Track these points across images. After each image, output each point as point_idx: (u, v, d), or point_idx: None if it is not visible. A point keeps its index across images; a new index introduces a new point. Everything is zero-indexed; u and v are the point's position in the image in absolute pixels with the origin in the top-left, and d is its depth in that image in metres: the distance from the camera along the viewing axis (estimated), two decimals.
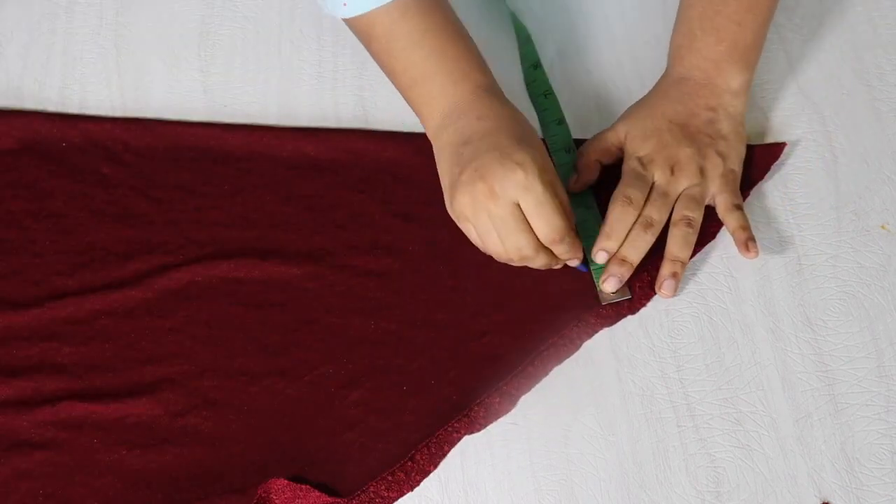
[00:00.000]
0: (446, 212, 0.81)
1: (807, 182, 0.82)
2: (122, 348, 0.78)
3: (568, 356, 0.76)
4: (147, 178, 0.85)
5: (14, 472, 0.73)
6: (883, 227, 0.80)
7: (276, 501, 0.72)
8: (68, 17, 0.94)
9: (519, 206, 0.73)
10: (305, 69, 0.90)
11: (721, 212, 0.79)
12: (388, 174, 0.84)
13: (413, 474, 0.72)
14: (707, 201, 0.79)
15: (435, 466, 0.73)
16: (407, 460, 0.72)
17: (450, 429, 0.73)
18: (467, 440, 0.73)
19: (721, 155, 0.79)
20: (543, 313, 0.77)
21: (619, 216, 0.77)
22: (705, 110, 0.80)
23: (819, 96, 0.86)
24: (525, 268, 0.78)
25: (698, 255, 0.79)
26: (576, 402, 0.75)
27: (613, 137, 0.81)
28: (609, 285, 0.76)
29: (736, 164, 0.80)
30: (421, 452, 0.73)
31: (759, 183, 0.81)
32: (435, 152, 0.78)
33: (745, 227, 0.78)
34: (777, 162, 0.82)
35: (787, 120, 0.85)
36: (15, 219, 0.83)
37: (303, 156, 0.85)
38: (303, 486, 0.71)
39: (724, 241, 0.80)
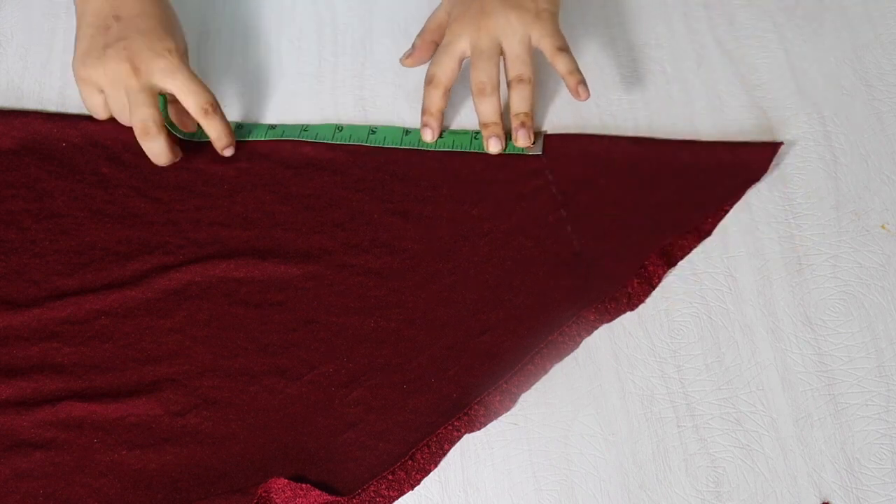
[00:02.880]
0: (445, 210, 0.82)
1: (807, 182, 0.82)
2: (122, 348, 0.78)
3: (568, 353, 0.76)
4: (147, 178, 0.85)
5: (14, 472, 0.73)
6: (883, 227, 0.80)
7: (277, 500, 0.72)
8: (68, 17, 0.94)
9: (155, 87, 0.80)
10: (305, 69, 0.90)
11: (548, 57, 0.81)
12: (386, 172, 0.84)
13: (413, 473, 0.72)
14: (534, 45, 0.81)
15: (435, 465, 0.73)
16: (407, 459, 0.72)
17: (450, 427, 0.73)
18: (467, 439, 0.73)
19: (536, 3, 0.81)
20: (542, 311, 0.77)
21: (428, 94, 0.82)
22: None
23: (819, 96, 0.86)
24: (523, 266, 0.78)
25: (698, 255, 0.79)
26: (576, 402, 0.75)
27: (441, 15, 0.84)
28: (493, 146, 0.82)
29: (549, 4, 0.82)
30: (421, 451, 0.73)
31: (758, 182, 0.82)
32: (78, 4, 0.82)
33: (573, 71, 0.80)
34: (776, 162, 0.83)
35: (786, 120, 0.85)
36: (15, 219, 0.83)
37: (301, 155, 0.85)
38: (303, 485, 0.71)
39: (724, 241, 0.80)
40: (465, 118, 0.87)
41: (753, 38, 0.89)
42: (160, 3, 0.83)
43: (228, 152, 0.84)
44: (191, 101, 0.81)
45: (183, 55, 0.81)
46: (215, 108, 0.82)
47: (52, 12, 0.94)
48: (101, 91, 0.82)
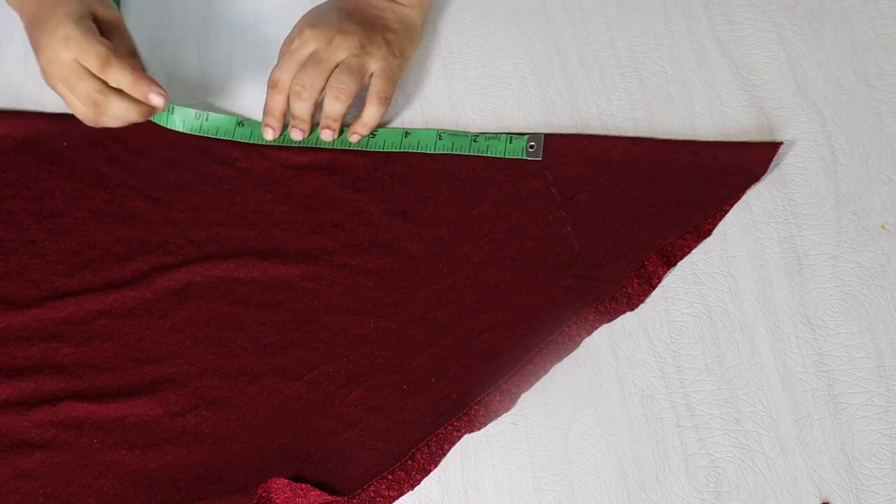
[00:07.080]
0: (445, 210, 0.82)
1: (807, 182, 0.82)
2: (122, 348, 0.78)
3: (567, 354, 0.76)
4: (147, 178, 0.85)
5: (14, 472, 0.73)
6: (883, 227, 0.80)
7: (277, 500, 0.72)
8: None
9: (78, 61, 0.76)
10: None
11: (368, 96, 0.83)
12: (385, 173, 0.84)
13: (413, 473, 0.72)
14: (365, 80, 0.83)
15: (435, 465, 0.73)
16: (407, 459, 0.72)
17: (450, 427, 0.73)
18: (467, 439, 0.73)
19: (387, 41, 0.83)
20: (542, 311, 0.77)
21: (270, 96, 0.83)
22: (374, 8, 0.85)
23: (819, 96, 0.86)
24: (523, 266, 0.78)
25: (698, 255, 0.79)
26: (576, 402, 0.75)
27: (296, 37, 0.84)
28: (296, 135, 0.84)
29: (399, 54, 0.84)
30: (421, 451, 0.73)
31: (758, 182, 0.82)
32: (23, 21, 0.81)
33: (366, 124, 0.83)
34: (776, 162, 0.83)
35: (786, 120, 0.85)
36: (15, 219, 0.83)
37: (300, 155, 0.85)
38: (303, 486, 0.71)
39: (724, 241, 0.80)
40: (464, 118, 0.87)
41: (753, 38, 0.89)
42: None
43: (156, 98, 0.78)
44: (90, 60, 0.76)
45: (77, 17, 0.76)
46: (109, 58, 0.76)
47: None
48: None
